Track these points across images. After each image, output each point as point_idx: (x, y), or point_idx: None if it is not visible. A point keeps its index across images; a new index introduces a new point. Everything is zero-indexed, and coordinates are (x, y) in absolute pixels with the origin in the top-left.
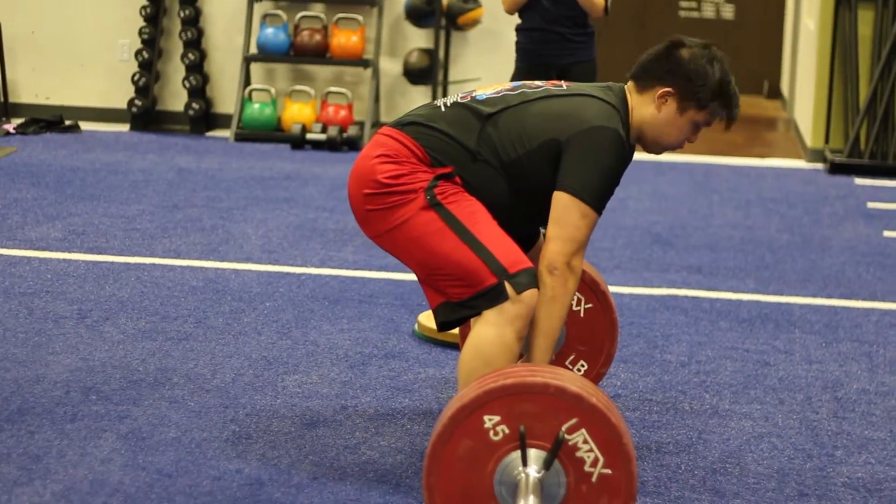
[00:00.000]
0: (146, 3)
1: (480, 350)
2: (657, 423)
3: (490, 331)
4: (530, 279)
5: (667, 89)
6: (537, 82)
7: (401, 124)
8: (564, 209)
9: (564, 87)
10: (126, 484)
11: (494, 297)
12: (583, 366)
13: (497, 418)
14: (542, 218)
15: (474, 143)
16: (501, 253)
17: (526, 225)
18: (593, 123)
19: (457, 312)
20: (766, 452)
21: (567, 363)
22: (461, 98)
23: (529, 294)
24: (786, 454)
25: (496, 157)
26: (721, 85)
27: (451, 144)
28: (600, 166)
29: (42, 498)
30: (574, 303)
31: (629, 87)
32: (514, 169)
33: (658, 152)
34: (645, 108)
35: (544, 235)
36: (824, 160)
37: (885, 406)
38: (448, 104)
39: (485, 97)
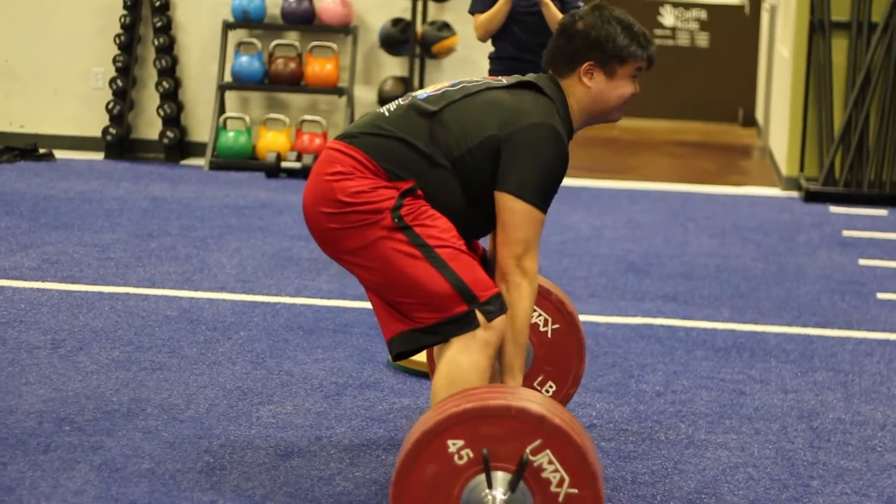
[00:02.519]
0: (120, 31)
1: (454, 378)
2: (633, 454)
3: (463, 358)
4: (500, 306)
5: (585, 65)
6: (476, 78)
7: (350, 136)
8: (507, 211)
9: (504, 81)
10: None
11: (464, 324)
12: (551, 387)
13: (461, 442)
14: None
15: (426, 144)
16: (471, 279)
17: (484, 225)
18: (531, 120)
19: (420, 340)
20: (742, 483)
21: (535, 384)
22: (403, 101)
23: (500, 320)
24: (762, 484)
25: (446, 157)
26: (628, 33)
27: (406, 151)
28: (540, 164)
29: None
30: (541, 324)
31: (555, 77)
32: (460, 167)
33: (614, 120)
34: (576, 90)
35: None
36: (799, 188)
37: (861, 435)
38: (392, 108)
39: (426, 96)
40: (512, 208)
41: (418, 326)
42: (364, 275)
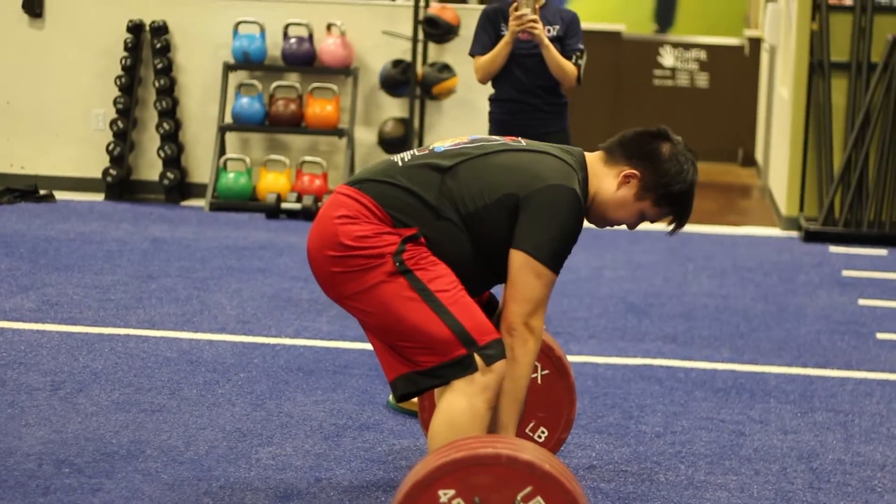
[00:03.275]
0: (121, 72)
1: (452, 421)
2: (633, 495)
3: (461, 401)
4: (499, 350)
5: (634, 172)
6: (495, 137)
7: (358, 182)
8: (520, 269)
9: (523, 143)
10: None
11: (463, 368)
12: (543, 432)
13: (452, 492)
14: (505, 272)
15: (434, 197)
16: (471, 324)
17: (490, 280)
18: (551, 182)
19: (422, 382)
20: None
21: (527, 431)
22: (419, 152)
23: (500, 364)
24: None
25: (456, 211)
26: (685, 194)
27: (412, 201)
28: (556, 226)
29: None
30: None
31: (597, 156)
32: (473, 222)
33: (600, 226)
34: (605, 180)
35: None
36: (799, 228)
37: (861, 476)
38: (406, 159)
39: (443, 150)
40: (525, 267)
41: (420, 369)
42: (365, 319)
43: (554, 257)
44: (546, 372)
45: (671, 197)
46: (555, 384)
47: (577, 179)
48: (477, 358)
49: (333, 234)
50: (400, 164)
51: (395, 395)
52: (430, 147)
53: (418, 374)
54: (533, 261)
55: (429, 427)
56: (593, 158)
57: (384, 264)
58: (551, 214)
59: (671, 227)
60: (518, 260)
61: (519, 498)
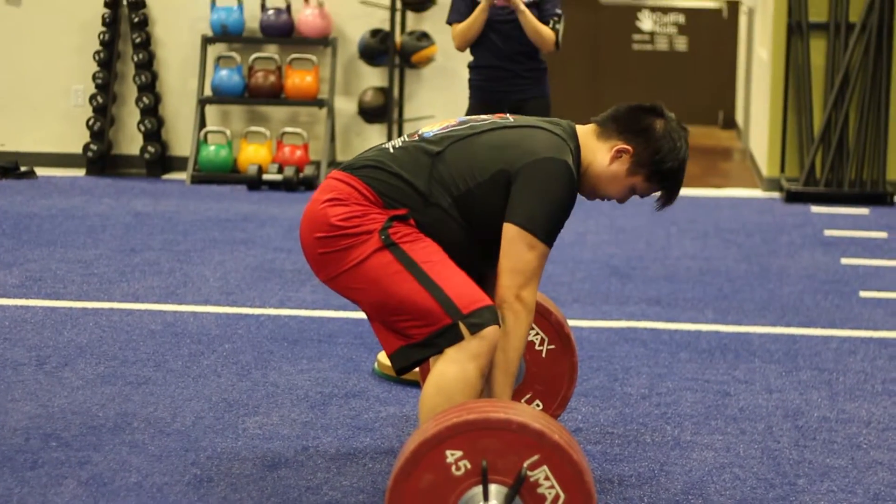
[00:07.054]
0: (100, 48)
1: (442, 387)
2: (619, 456)
3: (452, 368)
4: (486, 318)
5: (627, 147)
6: (483, 116)
7: (351, 168)
8: (511, 242)
9: (511, 120)
10: None
11: (452, 337)
12: (538, 405)
13: (459, 453)
14: (498, 253)
15: (425, 183)
16: (456, 293)
17: (484, 262)
18: (543, 155)
19: (416, 354)
20: (728, 483)
21: (523, 401)
22: (409, 138)
23: (490, 331)
24: (748, 484)
25: (447, 194)
26: (677, 171)
27: (402, 187)
28: (549, 198)
29: None
30: (537, 342)
31: (589, 129)
32: (465, 202)
33: (590, 199)
34: (597, 154)
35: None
36: (780, 189)
37: (846, 433)
38: (397, 146)
39: (431, 135)
40: (517, 239)
41: (413, 342)
42: (356, 298)
43: (546, 229)
44: (552, 347)
45: (663, 174)
46: (559, 360)
47: (570, 151)
48: (462, 327)
49: (322, 216)
50: (391, 150)
51: (394, 369)
52: (419, 132)
53: (411, 346)
54: (525, 233)
55: None
56: (585, 131)
57: (370, 240)
58: (544, 186)
59: (660, 202)
60: (510, 232)
61: (525, 465)
